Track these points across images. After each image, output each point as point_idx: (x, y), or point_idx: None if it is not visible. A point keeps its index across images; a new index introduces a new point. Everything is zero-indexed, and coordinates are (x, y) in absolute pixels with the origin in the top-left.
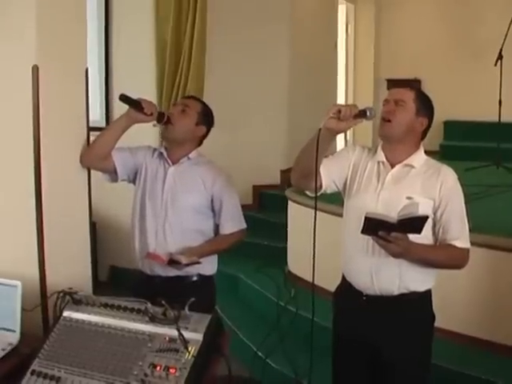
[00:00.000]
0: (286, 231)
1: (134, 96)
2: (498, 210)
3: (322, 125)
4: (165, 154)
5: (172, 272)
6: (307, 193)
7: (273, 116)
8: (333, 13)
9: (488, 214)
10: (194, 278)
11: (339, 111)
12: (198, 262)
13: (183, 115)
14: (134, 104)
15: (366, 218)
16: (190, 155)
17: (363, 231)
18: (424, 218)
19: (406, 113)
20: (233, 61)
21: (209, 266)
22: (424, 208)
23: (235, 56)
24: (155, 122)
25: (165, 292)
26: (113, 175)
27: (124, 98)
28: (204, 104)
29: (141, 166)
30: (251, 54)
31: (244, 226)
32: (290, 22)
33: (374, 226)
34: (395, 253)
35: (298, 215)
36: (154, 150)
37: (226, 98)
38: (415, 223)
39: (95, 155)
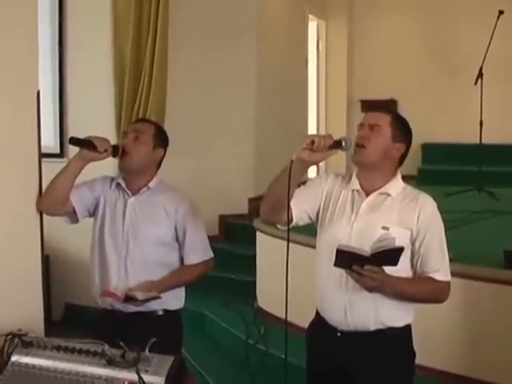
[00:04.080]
0: (255, 264)
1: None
2: (480, 237)
3: (294, 156)
4: (123, 184)
5: (133, 307)
6: (278, 226)
7: (239, 140)
8: (303, 29)
9: (470, 242)
10: (159, 313)
11: (312, 142)
12: (158, 297)
13: (138, 143)
14: (86, 144)
15: (337, 251)
16: (151, 184)
17: (336, 264)
18: (399, 250)
19: (382, 138)
20: (196, 80)
21: (174, 300)
22: (401, 239)
23: (199, 75)
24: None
25: (128, 328)
26: (73, 216)
27: (74, 141)
28: (156, 124)
29: (99, 198)
30: (216, 73)
31: (211, 255)
32: (257, 39)
33: (346, 259)
34: (370, 287)
35: (267, 247)
36: (112, 180)
37: (189, 120)
38: (390, 255)
39: (53, 202)
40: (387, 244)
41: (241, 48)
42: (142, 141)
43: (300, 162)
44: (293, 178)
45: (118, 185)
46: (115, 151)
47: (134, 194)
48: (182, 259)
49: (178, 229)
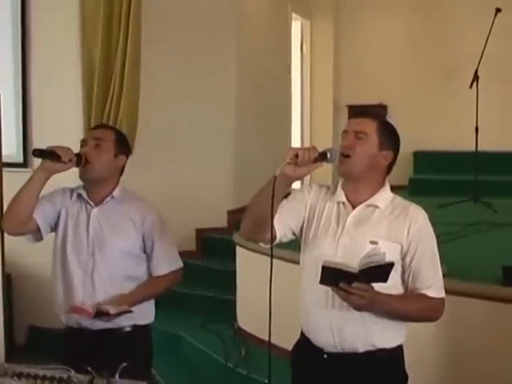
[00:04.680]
0: (235, 281)
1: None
2: (476, 251)
3: (277, 172)
4: (84, 195)
5: (101, 324)
6: (261, 244)
7: (218, 148)
8: (286, 30)
9: (465, 257)
10: (128, 329)
11: (296, 156)
12: (129, 311)
13: (99, 151)
14: (50, 155)
15: (323, 268)
16: (114, 193)
17: (321, 281)
18: (390, 266)
19: (368, 146)
20: (171, 84)
21: (144, 315)
22: (390, 254)
23: (174, 78)
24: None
25: (96, 346)
26: (37, 235)
27: (38, 153)
28: (116, 130)
29: (60, 211)
30: (192, 76)
31: (179, 265)
32: (236, 40)
33: (333, 276)
34: (358, 305)
35: (248, 262)
36: (72, 191)
37: (164, 126)
38: (380, 271)
39: (17, 220)
40: (376, 260)
41: (219, 49)
42: (103, 148)
43: (284, 178)
44: (276, 194)
45: (79, 196)
46: (79, 160)
47: (96, 205)
48: (149, 271)
49: (145, 239)
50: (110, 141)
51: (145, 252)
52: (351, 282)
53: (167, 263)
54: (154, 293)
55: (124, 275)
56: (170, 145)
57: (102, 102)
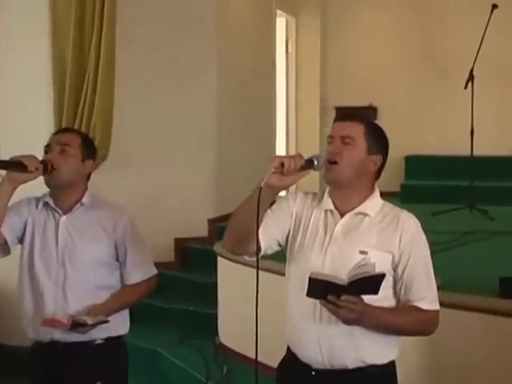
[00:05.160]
0: (216, 294)
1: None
2: (472, 262)
3: (262, 183)
4: (51, 203)
5: (74, 336)
6: (245, 257)
7: (198, 153)
8: (270, 27)
9: (460, 268)
10: (100, 341)
11: (282, 164)
12: (106, 321)
13: (65, 156)
14: (15, 166)
15: (310, 280)
16: (84, 200)
17: (308, 294)
18: (380, 277)
19: (356, 152)
20: (148, 85)
21: (117, 326)
22: (381, 264)
23: (151, 79)
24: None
25: (68, 361)
26: (4, 248)
27: (4, 165)
28: (82, 134)
29: (26, 222)
30: (170, 76)
31: (154, 272)
32: (217, 38)
33: (320, 289)
34: (347, 319)
35: (230, 274)
36: (37, 200)
37: (140, 129)
38: (370, 283)
39: None
40: (366, 270)
41: (198, 48)
42: (68, 153)
43: (269, 188)
44: (261, 205)
45: (46, 204)
46: (45, 168)
47: (65, 213)
48: (122, 279)
49: (118, 246)
50: (75, 145)
51: (117, 260)
52: (340, 295)
53: (141, 271)
54: (129, 302)
55: (97, 285)
56: (147, 150)
57: (74, 102)
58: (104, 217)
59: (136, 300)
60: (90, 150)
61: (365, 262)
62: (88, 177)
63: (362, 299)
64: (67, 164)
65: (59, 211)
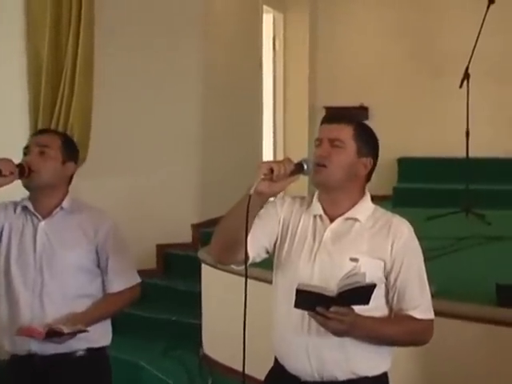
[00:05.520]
0: (200, 303)
1: None
2: (468, 268)
3: (251, 190)
4: (30, 207)
5: (53, 348)
6: (232, 266)
7: (181, 156)
8: (256, 24)
9: (456, 275)
10: (81, 353)
11: (271, 170)
12: (85, 331)
13: (44, 158)
14: None
15: (297, 291)
16: (64, 204)
17: (296, 305)
18: (371, 287)
19: (345, 155)
20: (128, 85)
21: (98, 336)
22: (373, 272)
23: (132, 79)
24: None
25: (47, 375)
26: None
27: None
28: (62, 135)
29: (3, 227)
30: (153, 76)
31: (137, 280)
32: (202, 35)
33: (308, 300)
34: (337, 331)
35: (215, 282)
36: (15, 204)
37: (120, 132)
38: (360, 293)
39: None
40: (356, 280)
41: (182, 47)
42: (49, 156)
43: (259, 196)
44: (250, 213)
45: (25, 208)
46: (22, 171)
47: (44, 217)
48: (104, 287)
49: (99, 252)
50: (56, 147)
51: (99, 267)
52: (329, 306)
53: (124, 278)
54: (110, 311)
55: (76, 293)
56: (128, 152)
57: (50, 103)
58: (85, 221)
59: (118, 309)
60: (72, 152)
61: (355, 272)
62: (69, 180)
63: (352, 310)
64: (46, 166)
65: (38, 216)
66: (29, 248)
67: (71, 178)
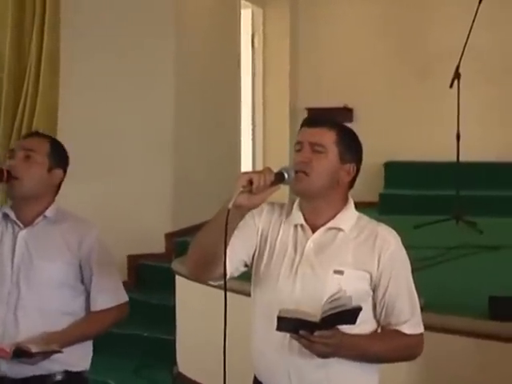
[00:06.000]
0: (174, 317)
1: None
2: (459, 280)
3: (230, 204)
4: (11, 215)
5: (26, 369)
6: (209, 282)
7: (153, 161)
8: (234, 19)
9: (446, 287)
10: (58, 377)
11: (250, 182)
12: (58, 351)
13: (29, 164)
14: None
15: (278, 318)
16: (47, 212)
17: (278, 329)
18: (356, 310)
19: (327, 161)
20: (97, 85)
21: (78, 359)
22: (359, 284)
23: (100, 79)
24: None
25: None
26: None
27: None
28: (52, 139)
29: None
30: (123, 76)
31: (124, 299)
32: (176, 31)
33: (291, 325)
34: (323, 354)
35: (190, 295)
36: None
37: (88, 135)
38: (346, 316)
39: None
40: (341, 304)
41: (154, 44)
42: (33, 161)
43: (237, 209)
44: (229, 227)
45: (6, 216)
46: (0, 176)
47: (26, 225)
48: (87, 305)
49: (83, 266)
50: (43, 152)
51: (82, 282)
52: (313, 330)
53: (109, 296)
54: (93, 332)
55: (57, 310)
56: (96, 157)
57: (13, 104)
58: (69, 231)
59: (102, 330)
60: (60, 159)
61: (339, 295)
62: (56, 189)
63: (337, 330)
64: (30, 173)
65: (20, 224)
66: (6, 258)
67: (59, 186)
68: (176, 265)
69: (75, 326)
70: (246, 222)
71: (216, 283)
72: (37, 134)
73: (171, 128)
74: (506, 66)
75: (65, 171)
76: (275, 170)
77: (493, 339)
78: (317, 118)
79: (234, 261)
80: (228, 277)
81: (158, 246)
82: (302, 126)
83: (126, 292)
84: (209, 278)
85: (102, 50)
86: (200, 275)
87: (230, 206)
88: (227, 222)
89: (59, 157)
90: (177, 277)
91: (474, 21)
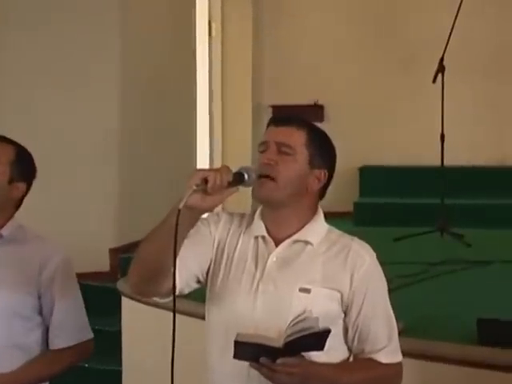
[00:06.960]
0: (120, 344)
1: None
2: (443, 300)
3: (181, 204)
4: None
5: None
6: (155, 299)
7: (95, 166)
8: (188, 5)
9: (428, 308)
10: None
11: (205, 181)
12: None
13: None
14: None
15: (235, 343)
16: (3, 230)
17: (236, 357)
18: (325, 333)
19: (295, 164)
20: (36, 86)
21: None
22: (328, 304)
23: (39, 80)
24: None
25: None
26: None
27: None
28: (19, 146)
29: None
30: (64, 76)
31: (89, 335)
32: (121, 18)
33: (250, 352)
34: None
35: (137, 318)
36: None
37: (20, 136)
38: (313, 340)
39: None
40: (307, 326)
41: (97, 33)
42: None
43: (190, 211)
44: (180, 232)
45: None
46: None
47: None
48: (46, 340)
49: (42, 296)
50: (5, 160)
51: (41, 313)
52: (276, 357)
53: (72, 332)
54: (51, 373)
55: (8, 344)
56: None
57: None
58: (29, 254)
59: (59, 372)
60: (24, 170)
61: (305, 316)
62: (18, 204)
63: (303, 358)
64: None
65: None
66: None
67: (21, 201)
68: (122, 284)
69: (31, 364)
70: (199, 230)
71: (163, 300)
72: (3, 138)
73: (116, 129)
74: (496, 58)
75: (29, 185)
76: (234, 170)
77: (481, 367)
78: (285, 116)
79: (185, 275)
80: (177, 293)
81: (102, 264)
82: (269, 125)
83: None
84: (154, 294)
85: (41, 45)
86: (145, 290)
87: (181, 206)
88: (177, 223)
89: (23, 168)
90: (123, 298)
91: (459, 7)
